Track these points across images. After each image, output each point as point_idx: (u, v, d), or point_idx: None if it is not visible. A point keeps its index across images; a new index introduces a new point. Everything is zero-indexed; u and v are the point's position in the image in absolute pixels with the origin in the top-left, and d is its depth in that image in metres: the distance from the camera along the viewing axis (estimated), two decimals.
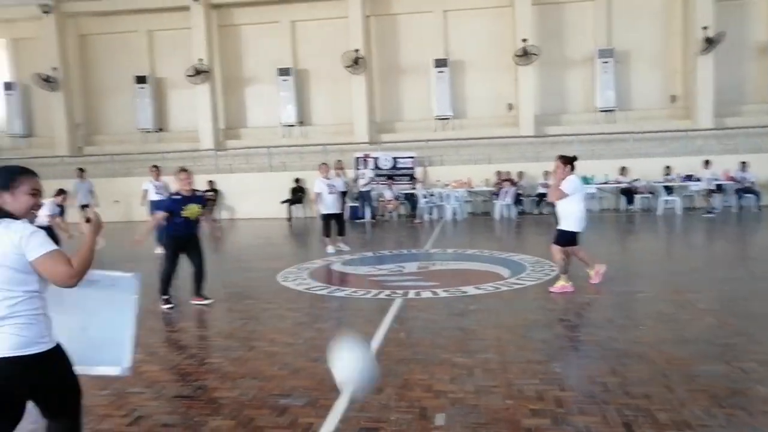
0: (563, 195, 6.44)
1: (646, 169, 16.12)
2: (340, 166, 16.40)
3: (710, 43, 16.58)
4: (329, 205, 10.32)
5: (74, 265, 2.31)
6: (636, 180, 15.97)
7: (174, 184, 6.53)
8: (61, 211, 9.44)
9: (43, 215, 8.93)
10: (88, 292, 2.65)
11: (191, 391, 3.92)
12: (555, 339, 4.88)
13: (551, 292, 6.46)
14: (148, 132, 19.92)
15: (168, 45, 19.85)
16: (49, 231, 9.05)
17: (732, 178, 15.15)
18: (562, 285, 6.49)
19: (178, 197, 6.41)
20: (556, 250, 6.61)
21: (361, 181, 15.87)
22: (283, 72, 18.81)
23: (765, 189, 15.25)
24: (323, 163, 10.82)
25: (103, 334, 2.76)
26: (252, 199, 17.44)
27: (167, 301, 6.40)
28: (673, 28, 17.96)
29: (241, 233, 14.96)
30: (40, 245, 2.28)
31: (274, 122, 19.34)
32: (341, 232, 10.49)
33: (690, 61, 17.41)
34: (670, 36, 18.00)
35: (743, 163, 15.15)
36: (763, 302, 5.86)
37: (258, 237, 13.69)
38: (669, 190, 15.46)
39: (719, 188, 15.05)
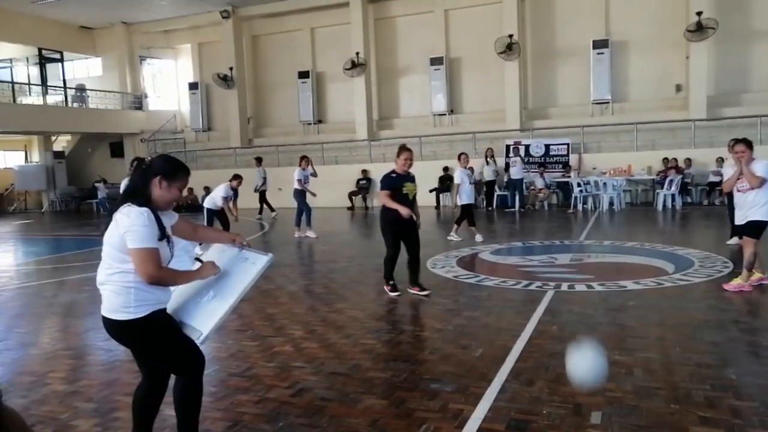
0: (764, 181, 5.78)
1: None
2: (491, 154, 16.23)
3: None
4: (470, 195, 10.23)
5: (158, 272, 2.51)
6: None
7: (396, 163, 6.26)
8: (235, 194, 10.38)
9: (218, 197, 9.94)
10: (230, 264, 2.86)
11: (347, 369, 4.15)
12: (729, 342, 4.43)
13: (725, 289, 5.86)
14: (309, 124, 21.24)
15: (328, 40, 20.97)
16: (220, 213, 10.08)
17: None
18: (739, 283, 5.86)
19: (394, 175, 6.21)
20: (751, 243, 5.88)
21: (513, 169, 15.52)
22: (435, 61, 18.98)
23: None
24: (463, 153, 10.72)
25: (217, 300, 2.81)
26: None
27: (394, 288, 6.33)
28: None
29: None
30: (137, 239, 2.47)
31: (425, 111, 19.62)
32: (472, 222, 10.30)
33: None
34: None
35: None
36: None
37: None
38: None
39: None
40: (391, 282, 6.34)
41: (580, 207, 14.82)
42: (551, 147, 16.96)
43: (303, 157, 12.34)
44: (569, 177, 15.66)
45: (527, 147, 16.93)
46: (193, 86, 23.14)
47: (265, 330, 5.26)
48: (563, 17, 18.13)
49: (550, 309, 5.56)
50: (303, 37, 21.40)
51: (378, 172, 18.65)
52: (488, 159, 16.18)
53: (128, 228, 2.49)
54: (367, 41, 19.85)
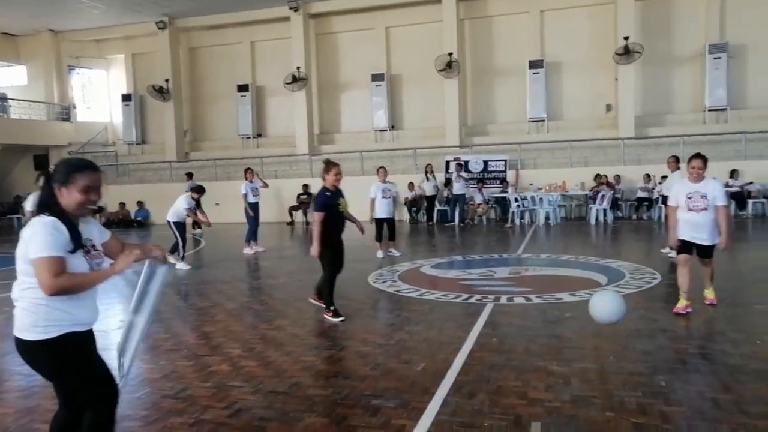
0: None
1: (759, 172, 14.90)
2: (430, 170, 16.46)
3: None
4: (385, 209, 10.24)
5: (54, 280, 2.26)
6: (749, 183, 14.81)
7: (326, 180, 6.06)
8: (197, 204, 10.20)
9: (182, 209, 9.68)
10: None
11: (286, 387, 4.04)
12: (659, 351, 4.60)
13: (679, 312, 5.69)
14: (248, 138, 20.91)
15: (268, 54, 20.79)
16: (192, 224, 9.85)
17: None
18: (711, 298, 5.95)
19: (329, 193, 6.04)
20: (712, 261, 5.86)
21: (456, 185, 15.76)
22: (377, 77, 19.14)
23: None
24: (381, 167, 10.80)
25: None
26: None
27: (336, 313, 5.88)
28: None
29: None
30: (37, 248, 2.28)
31: (366, 127, 19.70)
32: (392, 236, 10.39)
33: None
34: None
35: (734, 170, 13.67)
36: None
37: (350, 239, 13.92)
38: None
39: None
40: (332, 307, 5.92)
41: (517, 221, 15.18)
42: (490, 163, 17.35)
43: (247, 169, 12.13)
44: (507, 192, 16.05)
45: (466, 163, 17.26)
46: (126, 98, 22.35)
47: (200, 349, 5.06)
48: (501, 38, 18.68)
49: (490, 322, 5.62)
50: (243, 50, 21.12)
51: (318, 187, 18.49)
52: (428, 174, 16.39)
53: (29, 238, 2.33)
54: (309, 56, 19.81)
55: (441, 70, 17.93)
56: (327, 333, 5.54)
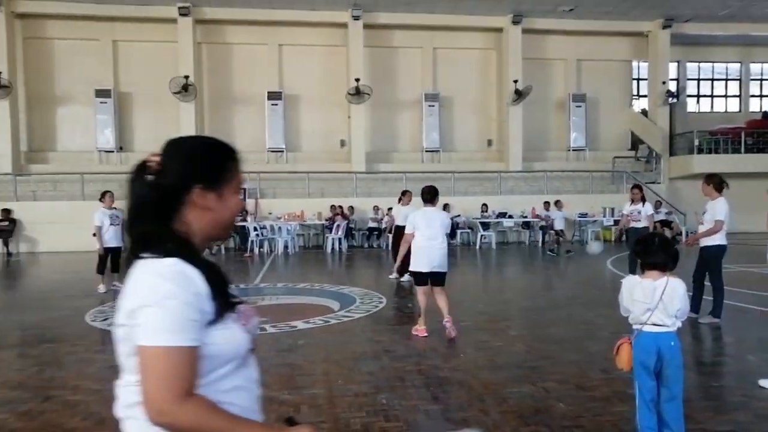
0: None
1: (466, 206, 17.41)
2: None
3: (519, 95, 18.60)
4: (113, 237, 9.12)
5: (185, 403, 1.13)
6: (457, 216, 17.16)
7: None
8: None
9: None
10: None
11: None
12: (381, 370, 4.92)
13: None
14: None
15: None
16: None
17: (538, 216, 16.92)
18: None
19: None
20: None
21: None
22: (102, 93, 17.43)
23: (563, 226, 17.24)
24: (107, 191, 9.43)
25: None
26: (59, 230, 15.42)
27: None
28: (489, 79, 19.90)
29: (44, 268, 13.30)
30: (152, 327, 1.15)
31: (89, 147, 17.73)
32: (116, 268, 9.13)
33: (503, 110, 19.36)
34: (487, 86, 19.93)
35: (547, 203, 17.01)
36: (562, 328, 6.50)
37: (66, 272, 12.25)
38: (485, 225, 16.83)
39: (528, 225, 16.69)
40: None
41: (256, 251, 15.11)
42: None
43: None
44: (246, 221, 15.90)
45: None
46: None
47: None
48: (241, 65, 18.69)
49: None
50: None
51: (26, 211, 15.91)
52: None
53: (142, 305, 1.17)
54: (14, 60, 17.14)
55: (176, 93, 17.12)
56: (27, 383, 4.69)
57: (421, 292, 6.12)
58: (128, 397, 1.22)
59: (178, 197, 1.28)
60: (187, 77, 17.17)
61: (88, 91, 17.48)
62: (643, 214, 8.94)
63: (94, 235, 9.12)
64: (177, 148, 1.33)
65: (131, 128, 18.30)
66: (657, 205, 16.25)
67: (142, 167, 1.30)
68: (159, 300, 1.15)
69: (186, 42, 17.60)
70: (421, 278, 6.10)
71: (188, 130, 17.60)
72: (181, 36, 17.56)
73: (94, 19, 17.51)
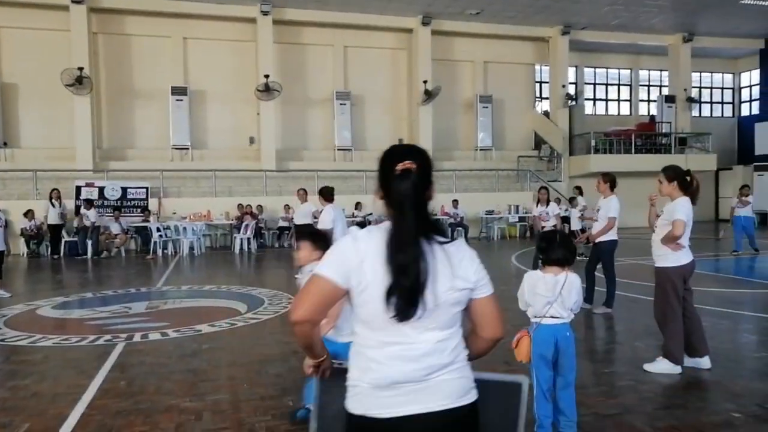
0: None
1: (378, 204, 17.46)
2: (57, 195, 14.51)
3: (429, 95, 18.95)
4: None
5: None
6: (370, 214, 17.22)
7: None
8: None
9: None
10: None
11: None
12: (289, 372, 4.81)
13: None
14: None
15: None
16: None
17: (447, 213, 17.33)
18: None
19: None
20: None
21: (92, 215, 14.12)
22: None
23: (472, 223, 17.77)
24: None
25: None
26: None
27: None
28: (400, 79, 20.12)
29: None
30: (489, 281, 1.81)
31: None
32: None
33: (414, 109, 19.65)
34: (398, 85, 20.15)
35: (455, 200, 17.46)
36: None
37: None
38: None
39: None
40: None
41: (160, 252, 14.43)
42: (129, 190, 16.14)
43: None
44: (149, 222, 15.15)
45: (102, 189, 15.72)
46: None
47: None
48: (142, 58, 17.76)
49: (119, 363, 5.09)
50: None
51: None
52: (53, 201, 14.32)
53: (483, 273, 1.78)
54: None
55: (69, 86, 15.99)
56: None
57: None
58: (454, 344, 1.71)
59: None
60: (81, 69, 16.08)
61: None
62: (551, 214, 9.34)
63: None
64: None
65: (18, 122, 16.93)
66: (557, 202, 17.12)
67: None
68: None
69: (80, 31, 16.44)
70: None
71: (84, 125, 16.54)
72: (74, 24, 16.41)
73: None
